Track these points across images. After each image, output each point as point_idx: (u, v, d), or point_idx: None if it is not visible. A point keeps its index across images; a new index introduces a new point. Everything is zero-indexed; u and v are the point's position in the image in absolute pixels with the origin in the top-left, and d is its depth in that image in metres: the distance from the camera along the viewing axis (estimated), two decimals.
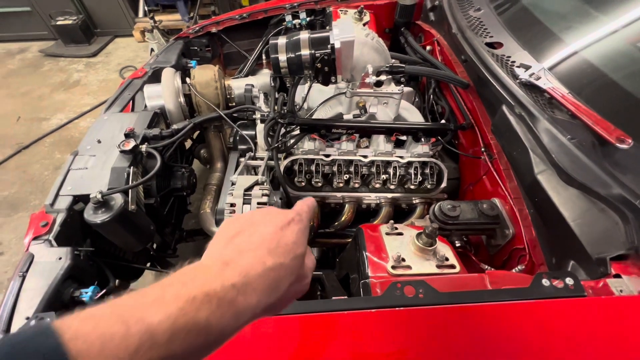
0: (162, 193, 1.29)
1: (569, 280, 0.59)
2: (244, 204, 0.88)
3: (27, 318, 0.79)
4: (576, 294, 0.57)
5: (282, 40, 1.00)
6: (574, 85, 0.86)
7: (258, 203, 0.89)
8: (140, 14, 3.85)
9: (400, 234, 0.78)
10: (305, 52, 0.99)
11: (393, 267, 0.69)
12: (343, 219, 1.20)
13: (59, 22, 3.52)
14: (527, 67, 0.94)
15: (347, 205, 1.19)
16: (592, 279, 0.64)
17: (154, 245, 1.36)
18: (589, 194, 0.70)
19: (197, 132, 1.73)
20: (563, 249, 0.74)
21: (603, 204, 0.68)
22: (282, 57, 1.00)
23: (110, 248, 1.19)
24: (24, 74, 3.41)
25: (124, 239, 1.09)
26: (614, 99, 0.81)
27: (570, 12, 1.08)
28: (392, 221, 0.79)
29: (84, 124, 2.79)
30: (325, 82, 1.02)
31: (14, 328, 0.78)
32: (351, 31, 0.94)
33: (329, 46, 0.96)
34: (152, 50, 3.41)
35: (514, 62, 0.98)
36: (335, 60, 0.98)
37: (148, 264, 1.38)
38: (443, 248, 0.73)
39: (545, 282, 0.59)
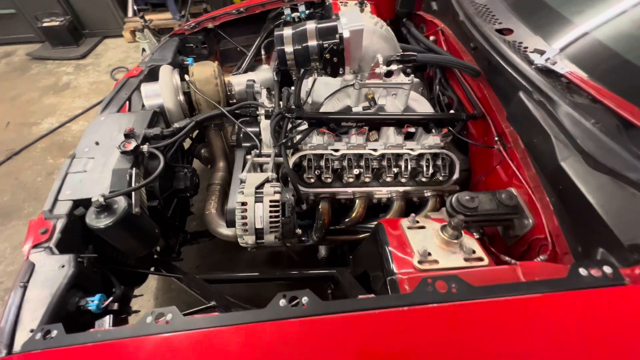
0: (165, 195, 1.24)
1: (607, 269, 0.57)
2: (255, 202, 0.85)
3: (32, 330, 0.74)
4: (616, 283, 0.55)
5: (287, 32, 0.96)
6: (592, 68, 0.83)
7: (270, 201, 0.85)
8: (130, 13, 3.76)
9: (423, 227, 0.75)
10: (312, 43, 0.95)
11: (420, 262, 0.66)
12: (354, 215, 1.17)
13: (45, 24, 3.41)
14: (541, 52, 0.91)
15: (357, 201, 1.16)
16: (625, 266, 0.62)
17: (158, 249, 1.32)
18: (618, 178, 0.68)
19: (196, 132, 1.69)
20: (590, 237, 0.71)
21: (633, 189, 0.66)
22: (289, 49, 0.96)
23: (113, 254, 1.15)
24: (11, 78, 3.30)
25: (128, 244, 1.04)
26: (635, 81, 0.79)
27: None
28: (413, 215, 0.76)
29: (76, 127, 2.71)
30: (334, 74, 0.99)
31: (18, 342, 0.73)
32: (360, 19, 0.91)
33: (338, 36, 0.93)
34: (143, 50, 3.33)
35: (527, 47, 0.96)
36: (344, 50, 0.94)
37: (152, 269, 1.33)
38: (469, 241, 0.70)
39: (583, 271, 0.57)
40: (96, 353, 0.62)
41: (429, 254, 0.67)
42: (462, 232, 0.69)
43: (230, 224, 0.98)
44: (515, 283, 0.58)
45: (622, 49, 0.84)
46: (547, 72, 0.87)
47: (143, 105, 1.39)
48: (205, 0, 3.61)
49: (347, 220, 1.18)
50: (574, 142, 0.73)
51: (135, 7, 3.71)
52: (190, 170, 1.33)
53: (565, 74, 0.84)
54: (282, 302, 0.60)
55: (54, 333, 0.67)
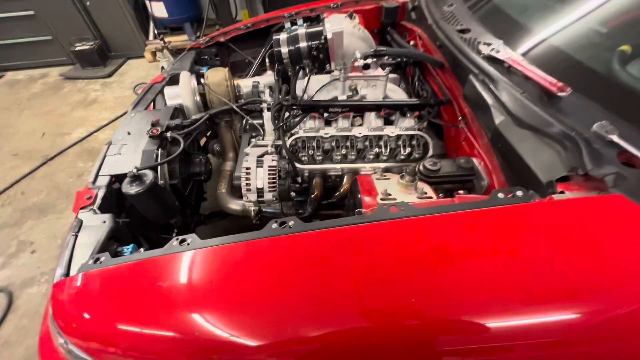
0: (183, 177, 1.46)
1: (519, 193, 0.75)
2: (257, 167, 1.05)
3: (83, 263, 0.95)
4: (524, 201, 0.73)
5: (283, 36, 1.20)
6: (528, 54, 1.03)
7: (269, 166, 1.06)
8: (151, 36, 4.17)
9: (388, 178, 0.94)
10: (303, 44, 1.18)
11: (382, 199, 0.84)
12: (342, 189, 1.36)
13: (77, 48, 3.83)
14: (489, 44, 1.12)
15: (345, 177, 1.35)
16: (543, 198, 0.79)
17: (177, 224, 1.53)
18: (537, 133, 0.86)
19: (209, 132, 1.93)
20: (523, 183, 0.88)
21: (548, 139, 0.84)
22: (284, 50, 1.20)
23: (140, 225, 1.36)
24: (46, 95, 3.69)
25: (153, 211, 1.25)
26: (559, 61, 0.98)
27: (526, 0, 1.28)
28: (381, 169, 0.95)
29: (103, 136, 3.02)
30: (322, 68, 1.21)
31: (72, 271, 0.94)
32: (340, 24, 1.14)
33: (323, 37, 1.16)
34: (162, 67, 3.68)
35: (479, 42, 1.17)
36: (328, 49, 1.17)
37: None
38: (422, 185, 0.89)
39: (501, 195, 0.75)
40: (137, 268, 0.82)
41: (389, 194, 0.86)
42: (417, 179, 0.88)
43: (236, 188, 1.18)
44: (450, 205, 0.76)
45: (553, 38, 1.04)
46: (492, 59, 1.07)
47: (165, 105, 1.64)
48: (219, 23, 3.99)
49: (337, 194, 1.37)
50: (505, 108, 0.92)
51: (155, 31, 4.12)
52: (204, 157, 1.56)
53: (506, 59, 1.04)
54: (274, 225, 0.79)
55: (103, 258, 0.88)
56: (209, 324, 0.69)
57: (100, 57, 3.94)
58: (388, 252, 0.70)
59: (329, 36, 1.13)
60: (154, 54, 4.04)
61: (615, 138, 0.77)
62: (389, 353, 0.64)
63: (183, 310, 0.73)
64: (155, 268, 0.81)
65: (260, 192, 1.05)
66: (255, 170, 1.05)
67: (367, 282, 0.68)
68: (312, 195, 1.33)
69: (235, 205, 1.41)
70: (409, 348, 0.64)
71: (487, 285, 0.65)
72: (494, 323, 0.63)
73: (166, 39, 3.81)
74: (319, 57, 1.17)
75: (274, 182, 1.05)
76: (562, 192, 0.77)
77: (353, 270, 0.70)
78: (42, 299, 1.91)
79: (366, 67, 1.21)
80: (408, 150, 1.32)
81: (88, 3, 3.67)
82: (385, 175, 0.94)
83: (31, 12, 3.68)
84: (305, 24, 1.87)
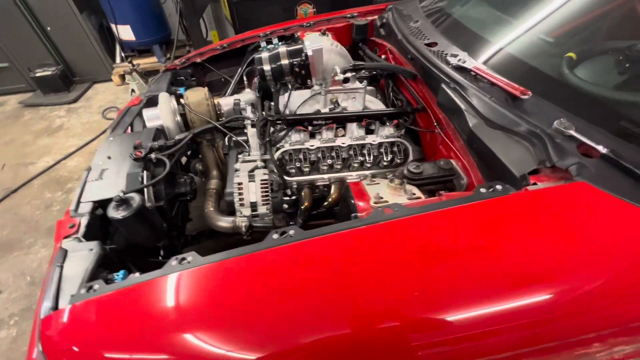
0: (168, 198, 1.44)
1: (498, 187, 0.82)
2: (249, 181, 1.07)
3: (72, 295, 0.90)
4: (503, 194, 0.80)
5: (265, 55, 1.25)
6: (490, 63, 1.15)
7: (261, 180, 1.08)
8: (118, 59, 4.08)
9: (377, 183, 0.99)
10: (284, 61, 1.24)
11: (375, 203, 0.89)
12: (331, 199, 1.40)
13: (38, 74, 3.66)
14: (455, 55, 1.23)
15: (333, 186, 1.39)
16: (519, 190, 0.87)
17: (161, 251, 1.49)
18: (507, 132, 0.95)
19: (189, 151, 1.91)
20: (499, 178, 0.97)
21: (517, 137, 0.93)
22: (267, 67, 1.24)
23: (125, 253, 1.31)
24: (4, 125, 3.48)
25: (141, 235, 1.22)
26: (517, 68, 1.10)
27: (483, 15, 1.42)
28: (370, 174, 1.00)
29: (72, 163, 2.88)
30: (304, 84, 1.26)
31: (61, 304, 0.89)
32: (319, 41, 1.21)
33: (303, 55, 1.22)
34: (132, 91, 3.61)
35: (446, 54, 1.28)
36: (309, 65, 1.23)
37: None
38: (411, 187, 0.94)
39: (483, 190, 0.82)
40: (135, 292, 0.80)
41: (381, 197, 0.91)
42: (405, 181, 0.94)
43: (229, 204, 1.19)
44: (439, 202, 0.82)
45: (510, 48, 1.16)
46: (459, 69, 1.18)
47: (144, 127, 1.62)
48: (189, 44, 3.99)
49: (325, 203, 1.40)
50: (478, 112, 1.01)
51: (122, 54, 4.04)
52: (189, 177, 1.54)
53: (472, 68, 1.15)
54: (275, 235, 0.81)
55: (97, 286, 0.85)
56: (219, 343, 0.69)
57: (63, 83, 3.79)
58: (389, 252, 0.74)
59: (310, 53, 1.19)
60: (122, 77, 3.95)
61: (573, 132, 0.87)
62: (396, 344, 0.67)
63: (190, 332, 0.72)
64: (156, 290, 0.80)
65: (253, 206, 1.06)
66: (248, 185, 1.06)
67: (372, 283, 0.71)
68: (302, 207, 1.36)
69: (224, 222, 1.40)
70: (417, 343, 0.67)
71: (481, 273, 0.71)
72: (495, 307, 0.68)
73: (135, 62, 3.75)
74: (301, 73, 1.22)
75: (266, 196, 1.07)
76: (534, 184, 0.86)
77: (358, 272, 0.73)
78: (12, 342, 1.76)
79: (346, 80, 1.28)
80: (390, 156, 1.39)
81: (49, 28, 3.55)
82: (374, 181, 1.00)
83: None
84: (280, 43, 1.95)
